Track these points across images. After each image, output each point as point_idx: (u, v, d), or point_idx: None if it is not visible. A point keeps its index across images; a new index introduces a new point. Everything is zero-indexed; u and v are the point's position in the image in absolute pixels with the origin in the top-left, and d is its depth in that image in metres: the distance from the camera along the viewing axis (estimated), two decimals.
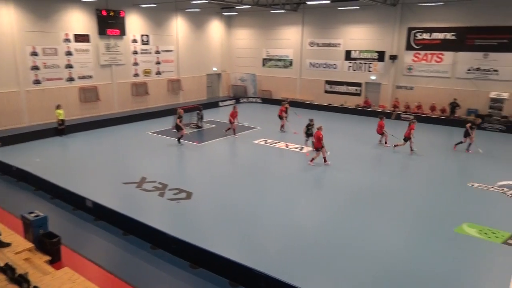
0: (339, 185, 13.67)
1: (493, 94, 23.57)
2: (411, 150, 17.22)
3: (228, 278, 7.91)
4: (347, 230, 10.13)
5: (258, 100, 32.08)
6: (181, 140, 18.39)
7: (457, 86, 24.78)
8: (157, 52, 28.10)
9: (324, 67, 29.93)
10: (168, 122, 22.40)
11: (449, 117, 24.33)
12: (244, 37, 33.58)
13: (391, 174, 15.04)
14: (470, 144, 17.42)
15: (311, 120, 17.63)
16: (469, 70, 24.31)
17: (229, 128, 20.16)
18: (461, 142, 17.62)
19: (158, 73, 28.40)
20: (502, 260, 8.84)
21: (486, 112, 23.81)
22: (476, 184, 13.53)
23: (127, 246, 9.25)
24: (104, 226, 10.17)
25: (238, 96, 32.65)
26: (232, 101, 30.92)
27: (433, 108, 25.46)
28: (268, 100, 31.51)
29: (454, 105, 24.34)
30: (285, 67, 31.94)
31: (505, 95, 23.19)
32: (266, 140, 19.31)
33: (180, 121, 18.02)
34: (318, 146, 15.23)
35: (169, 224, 10.31)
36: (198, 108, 22.44)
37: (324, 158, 15.39)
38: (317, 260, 8.71)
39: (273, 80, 32.60)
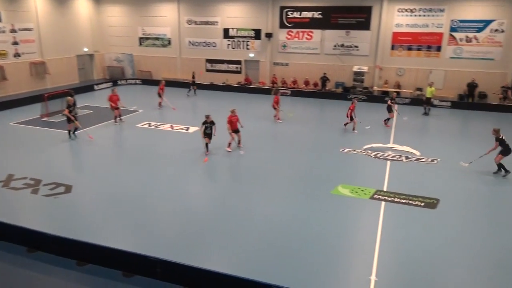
0: (226, 164, 14.03)
1: (355, 68, 26.43)
2: (353, 129, 17.72)
3: (121, 270, 7.61)
4: (236, 205, 10.49)
5: (137, 81, 30.55)
6: (71, 133, 16.23)
7: (326, 62, 27.11)
8: (13, 30, 24.55)
9: (204, 46, 29.80)
10: (34, 111, 20.00)
11: (321, 90, 26.59)
12: (116, 14, 31.33)
13: (276, 147, 15.96)
14: (389, 118, 18.75)
15: (207, 117, 14.09)
16: (335, 46, 26.74)
17: (115, 116, 18.63)
18: (389, 119, 18.77)
19: (17, 55, 24.93)
20: (370, 213, 10.20)
21: (351, 85, 26.67)
22: (347, 149, 15.19)
23: None
24: None
25: (115, 78, 30.61)
26: (109, 84, 28.91)
27: (306, 83, 27.50)
28: (148, 81, 30.23)
29: (324, 79, 26.66)
30: (164, 46, 30.90)
31: (365, 68, 26.20)
32: (149, 123, 18.64)
33: (70, 112, 15.77)
34: (233, 129, 14.76)
35: (47, 222, 9.43)
36: (69, 93, 20.41)
37: (229, 144, 14.91)
38: (209, 238, 8.90)
39: (152, 60, 31.34)
